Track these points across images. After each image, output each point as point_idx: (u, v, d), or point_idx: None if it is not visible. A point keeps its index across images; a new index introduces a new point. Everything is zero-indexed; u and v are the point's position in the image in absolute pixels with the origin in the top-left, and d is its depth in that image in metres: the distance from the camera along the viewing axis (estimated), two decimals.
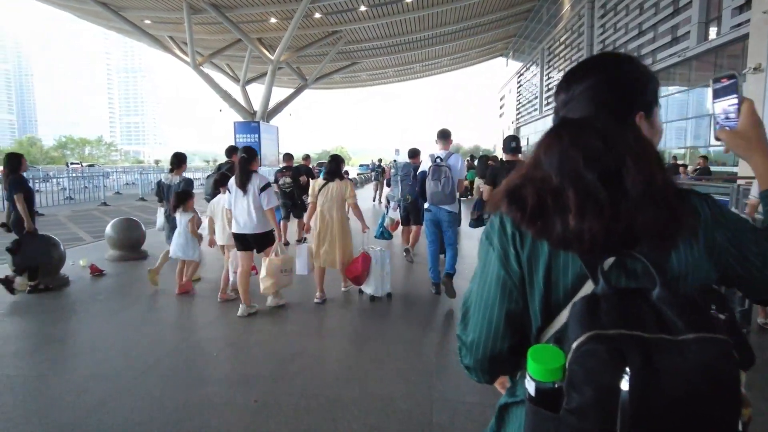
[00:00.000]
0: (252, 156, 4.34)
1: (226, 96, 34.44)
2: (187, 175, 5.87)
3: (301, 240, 7.31)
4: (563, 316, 0.79)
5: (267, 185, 4.28)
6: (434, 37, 35.55)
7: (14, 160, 5.27)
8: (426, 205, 4.91)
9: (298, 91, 38.45)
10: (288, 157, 8.37)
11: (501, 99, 61.56)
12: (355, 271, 4.60)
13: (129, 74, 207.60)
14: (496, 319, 0.85)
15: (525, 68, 45.69)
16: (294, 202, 7.90)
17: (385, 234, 7.00)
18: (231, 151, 6.48)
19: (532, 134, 44.95)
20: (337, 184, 4.68)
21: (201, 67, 33.52)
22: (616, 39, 23.24)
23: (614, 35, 23.51)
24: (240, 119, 34.71)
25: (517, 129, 50.30)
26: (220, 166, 6.49)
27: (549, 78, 36.84)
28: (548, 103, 37.27)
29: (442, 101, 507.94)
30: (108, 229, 7.32)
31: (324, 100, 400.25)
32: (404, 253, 7.10)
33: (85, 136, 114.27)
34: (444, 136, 4.90)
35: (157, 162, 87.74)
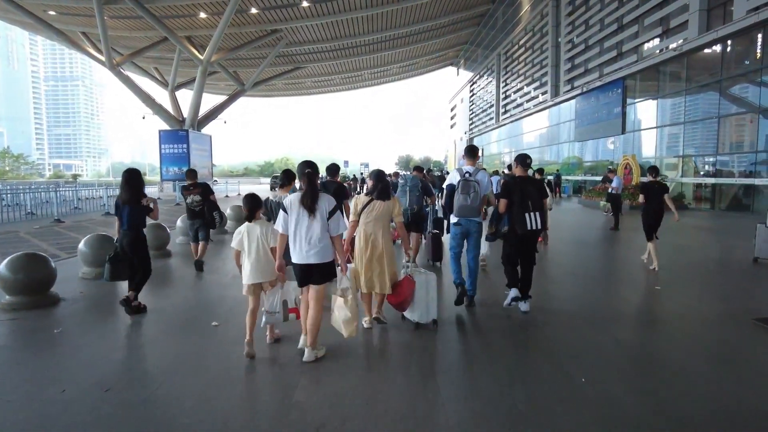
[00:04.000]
0: (317, 171, 4.00)
1: (148, 100, 30.42)
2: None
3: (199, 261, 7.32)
4: None
5: (336, 208, 3.80)
6: (383, 41, 33.26)
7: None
8: (454, 219, 5.02)
9: (233, 96, 34.91)
10: (192, 173, 7.96)
11: (452, 109, 60.40)
12: (402, 295, 4.39)
13: (59, 83, 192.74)
14: None
15: (478, 76, 44.30)
16: (204, 221, 7.56)
17: None
18: (334, 170, 6.27)
19: (487, 144, 43.49)
20: (382, 202, 4.37)
21: (122, 70, 29.44)
22: (589, 36, 21.68)
23: (586, 32, 21.93)
24: (167, 127, 30.81)
25: (471, 139, 48.90)
26: (324, 185, 6.06)
27: (506, 84, 35.27)
28: (505, 111, 35.65)
29: (391, 112, 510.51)
30: None
31: (266, 108, 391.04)
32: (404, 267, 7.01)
33: (10, 149, 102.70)
34: (471, 152, 5.12)
35: (75, 177, 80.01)
